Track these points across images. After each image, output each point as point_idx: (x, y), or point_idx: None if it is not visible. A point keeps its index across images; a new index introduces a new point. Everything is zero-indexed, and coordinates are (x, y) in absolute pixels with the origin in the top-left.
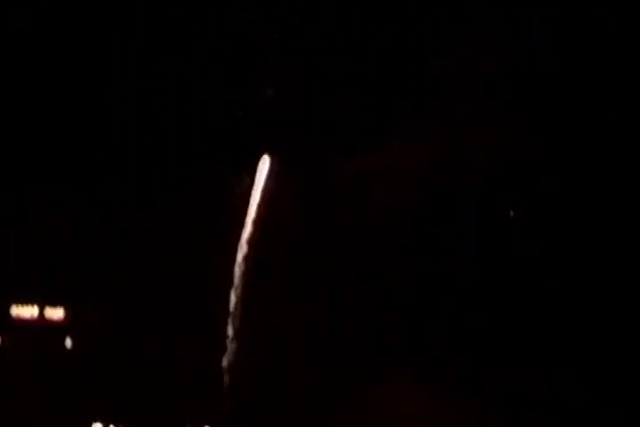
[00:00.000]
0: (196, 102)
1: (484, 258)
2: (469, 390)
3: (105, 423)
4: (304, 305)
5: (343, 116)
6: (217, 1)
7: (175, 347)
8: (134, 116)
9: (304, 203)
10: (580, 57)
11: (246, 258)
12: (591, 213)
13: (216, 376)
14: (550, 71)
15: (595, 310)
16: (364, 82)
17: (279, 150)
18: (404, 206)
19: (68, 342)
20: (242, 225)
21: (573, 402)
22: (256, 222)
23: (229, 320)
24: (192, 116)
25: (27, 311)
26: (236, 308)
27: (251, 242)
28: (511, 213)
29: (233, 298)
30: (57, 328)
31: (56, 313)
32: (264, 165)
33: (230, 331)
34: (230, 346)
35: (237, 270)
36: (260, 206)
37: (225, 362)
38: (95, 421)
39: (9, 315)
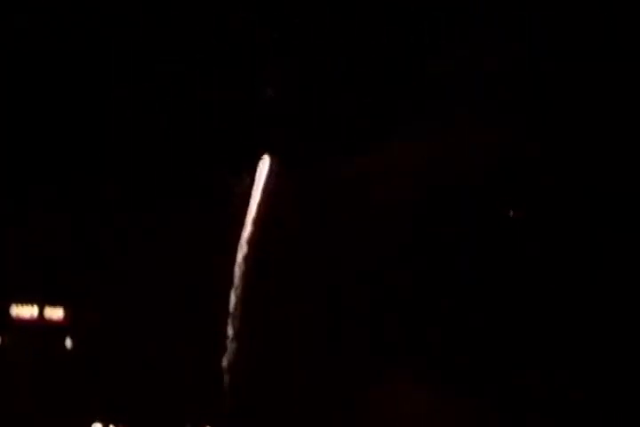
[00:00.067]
0: (195, 102)
1: (484, 258)
2: (469, 390)
3: (105, 423)
4: (304, 305)
5: (343, 116)
6: (217, 1)
7: (175, 347)
8: (134, 116)
9: (304, 203)
10: (580, 57)
11: (246, 258)
12: (591, 213)
13: (216, 376)
14: (550, 71)
15: (595, 309)
16: (363, 82)
17: (279, 150)
18: (403, 206)
19: (68, 342)
20: (242, 225)
21: (573, 402)
22: (256, 222)
23: (229, 320)
24: (192, 116)
25: (26, 311)
26: (235, 308)
27: (251, 242)
28: (511, 214)
29: (233, 298)
30: (57, 328)
31: (56, 313)
32: (264, 165)
33: (230, 331)
34: (230, 346)
35: (237, 271)
36: (260, 206)
37: (225, 362)
38: (95, 421)
39: (9, 315)
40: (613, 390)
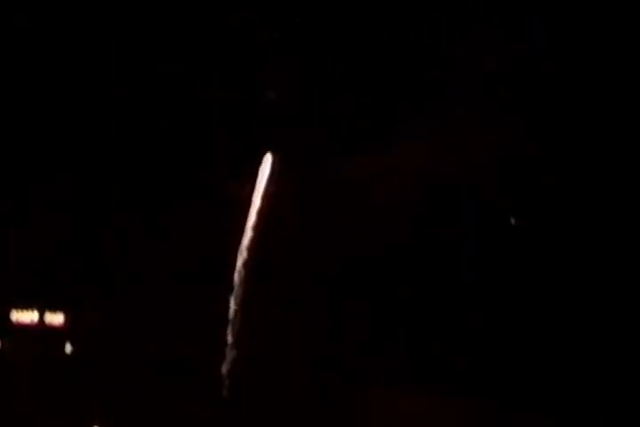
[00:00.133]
0: (196, 104)
1: (484, 258)
2: (469, 391)
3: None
4: (304, 311)
5: (344, 116)
6: (218, 2)
7: (174, 352)
8: (135, 118)
9: (304, 206)
10: (580, 57)
11: (246, 264)
12: (591, 214)
13: (216, 381)
14: (550, 71)
15: (594, 310)
16: (364, 82)
17: (280, 152)
18: (404, 207)
19: (68, 347)
20: (242, 231)
21: (573, 402)
22: (256, 228)
23: (229, 326)
24: (192, 117)
25: (27, 316)
26: (235, 314)
27: (250, 248)
28: (511, 216)
29: (232, 304)
30: (57, 333)
31: (56, 318)
32: (265, 168)
33: (230, 337)
34: (230, 352)
35: (237, 277)
36: (260, 211)
37: (224, 368)
38: (94, 424)
39: (9, 319)
40: (613, 390)
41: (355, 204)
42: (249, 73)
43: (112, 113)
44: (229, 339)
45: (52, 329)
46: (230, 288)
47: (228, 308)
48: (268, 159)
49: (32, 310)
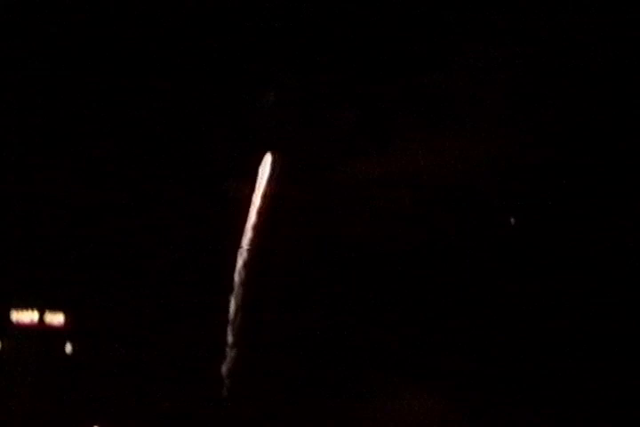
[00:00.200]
0: (196, 104)
1: (485, 261)
2: (470, 393)
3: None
4: (304, 311)
5: (345, 122)
6: (220, 5)
7: (174, 352)
8: (135, 119)
9: (304, 208)
10: (580, 66)
11: (246, 264)
12: (591, 215)
13: (216, 381)
14: (551, 79)
15: (595, 311)
16: (365, 89)
17: (280, 152)
18: (404, 209)
19: (68, 347)
20: (242, 231)
21: (574, 403)
22: (256, 228)
23: (229, 326)
24: (193, 118)
25: (27, 316)
26: (235, 314)
27: (250, 248)
28: (512, 221)
29: (232, 304)
30: (57, 333)
31: (56, 318)
32: (264, 170)
33: (230, 337)
34: (230, 352)
35: (237, 277)
36: (260, 212)
37: (224, 368)
38: (94, 424)
39: (9, 320)
40: (613, 390)
41: (354, 205)
42: (250, 74)
43: (112, 115)
44: (229, 339)
45: (52, 329)
46: (230, 288)
47: (228, 308)
48: (267, 160)
49: (32, 310)
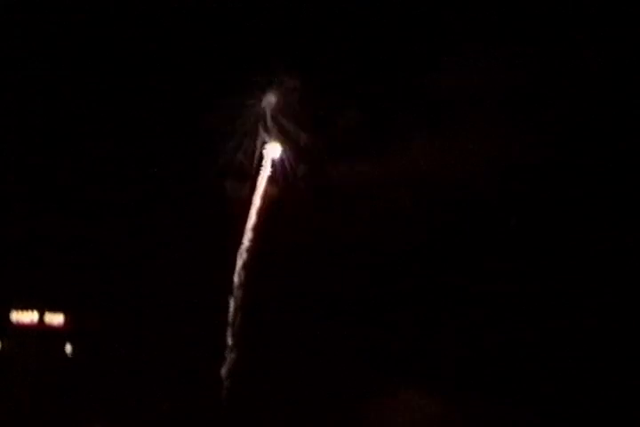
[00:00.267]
0: (197, 105)
1: (485, 261)
2: (469, 393)
3: None
4: (303, 312)
5: (345, 122)
6: (220, 5)
7: (174, 353)
8: (135, 120)
9: (304, 209)
10: (580, 66)
11: (245, 266)
12: (591, 215)
13: (215, 383)
14: (551, 79)
15: (595, 311)
16: (365, 89)
17: (280, 156)
18: (405, 212)
19: (68, 347)
20: (241, 232)
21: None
22: (256, 229)
23: (228, 328)
24: (193, 118)
25: (27, 317)
26: (234, 316)
27: (250, 249)
28: (512, 221)
29: (232, 306)
30: (57, 333)
31: (56, 318)
32: (264, 170)
33: (229, 338)
34: (229, 354)
35: (236, 278)
36: (259, 213)
37: (224, 369)
38: (94, 424)
39: (10, 320)
40: (613, 391)
41: (354, 205)
42: (250, 74)
43: (112, 113)
44: (229, 339)
45: (52, 329)
46: (230, 289)
47: (227, 309)
48: (268, 160)
49: (32, 310)
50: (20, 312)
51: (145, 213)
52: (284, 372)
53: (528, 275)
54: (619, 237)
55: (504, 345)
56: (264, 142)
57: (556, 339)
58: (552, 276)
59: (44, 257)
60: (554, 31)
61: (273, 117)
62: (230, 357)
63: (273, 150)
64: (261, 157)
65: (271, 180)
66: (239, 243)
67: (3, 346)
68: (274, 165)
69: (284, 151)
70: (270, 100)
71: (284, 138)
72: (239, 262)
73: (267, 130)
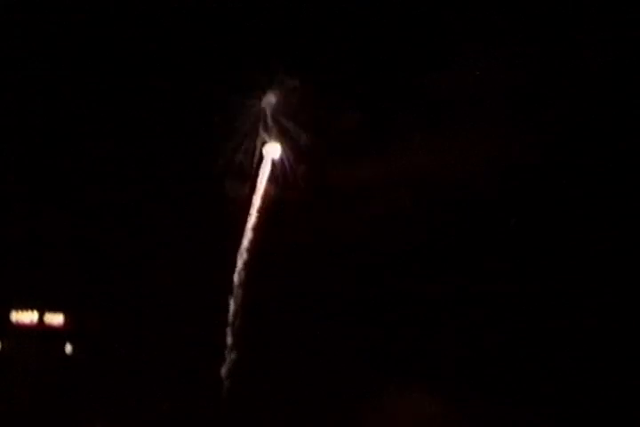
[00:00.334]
0: (197, 106)
1: (485, 261)
2: (469, 393)
3: None
4: (303, 312)
5: (345, 123)
6: (220, 5)
7: (174, 354)
8: (135, 120)
9: (304, 209)
10: (580, 66)
11: (245, 266)
12: (591, 215)
13: (215, 383)
14: (551, 79)
15: (595, 311)
16: (366, 89)
17: (280, 157)
18: (405, 213)
19: (68, 348)
20: (241, 232)
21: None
22: (256, 229)
23: (228, 328)
24: (193, 120)
25: (27, 317)
26: (234, 316)
27: (250, 249)
28: (512, 221)
29: (232, 306)
30: (56, 334)
31: (56, 319)
32: (265, 172)
33: (229, 338)
34: (229, 354)
35: (236, 278)
36: (260, 212)
37: (224, 369)
38: (94, 424)
39: (10, 320)
40: (613, 393)
41: (355, 206)
42: (251, 75)
43: (112, 113)
44: (229, 340)
45: (52, 330)
46: (230, 290)
47: (227, 309)
48: (267, 161)
49: (32, 310)
50: (19, 312)
51: (145, 213)
52: (284, 372)
53: (528, 275)
54: (619, 237)
55: (504, 345)
56: (264, 142)
57: (556, 339)
58: (552, 276)
59: (44, 257)
60: (554, 31)
61: (273, 117)
62: (230, 357)
63: (273, 150)
64: (261, 157)
65: (271, 180)
66: (239, 243)
67: (3, 346)
68: (274, 165)
69: (284, 151)
70: (270, 100)
71: (284, 138)
72: (239, 262)
73: (267, 130)
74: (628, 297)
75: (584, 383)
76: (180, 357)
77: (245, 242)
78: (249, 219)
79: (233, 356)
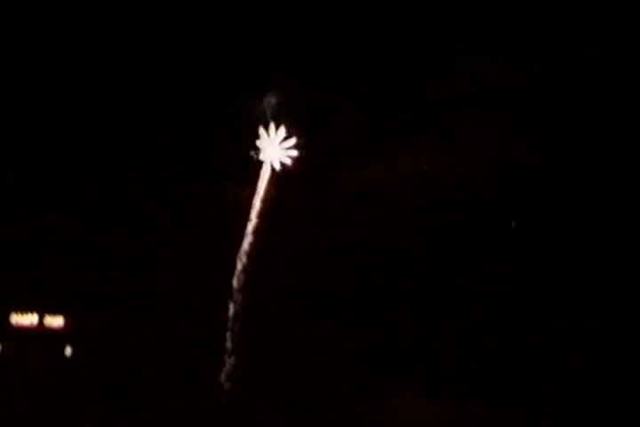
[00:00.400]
0: (197, 107)
1: (485, 261)
2: (470, 395)
3: None
4: (303, 316)
5: (345, 124)
6: (220, 5)
7: (173, 356)
8: (135, 120)
9: (305, 212)
10: (580, 67)
11: (245, 269)
12: (591, 215)
13: (214, 386)
14: (551, 79)
15: (595, 311)
16: (366, 89)
17: (281, 159)
18: (405, 213)
19: (68, 350)
20: (241, 235)
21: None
22: (256, 232)
23: (227, 331)
24: (193, 120)
25: (27, 319)
26: (234, 319)
27: (250, 253)
28: (512, 221)
29: (231, 309)
30: (56, 335)
31: (55, 321)
32: (265, 174)
33: (229, 342)
34: (228, 357)
35: (236, 282)
36: (260, 215)
37: (223, 373)
38: (94, 425)
39: (10, 322)
40: (613, 394)
41: (355, 208)
42: (251, 76)
43: (112, 114)
44: (229, 341)
45: (52, 332)
46: (230, 291)
47: (227, 310)
48: (268, 163)
49: (32, 312)
50: (19, 314)
51: (145, 215)
52: (284, 372)
53: (528, 275)
54: (619, 237)
55: (504, 345)
56: (264, 143)
57: (556, 339)
58: (552, 276)
59: (43, 258)
60: (554, 31)
61: (273, 117)
62: (230, 358)
63: (273, 151)
64: (261, 159)
65: (271, 181)
66: (239, 244)
67: (3, 348)
68: (274, 166)
69: (285, 152)
70: (270, 100)
71: (285, 138)
72: (239, 263)
73: (267, 130)
74: (628, 297)
75: (584, 383)
76: (179, 357)
77: (246, 244)
78: (249, 221)
79: (233, 357)
